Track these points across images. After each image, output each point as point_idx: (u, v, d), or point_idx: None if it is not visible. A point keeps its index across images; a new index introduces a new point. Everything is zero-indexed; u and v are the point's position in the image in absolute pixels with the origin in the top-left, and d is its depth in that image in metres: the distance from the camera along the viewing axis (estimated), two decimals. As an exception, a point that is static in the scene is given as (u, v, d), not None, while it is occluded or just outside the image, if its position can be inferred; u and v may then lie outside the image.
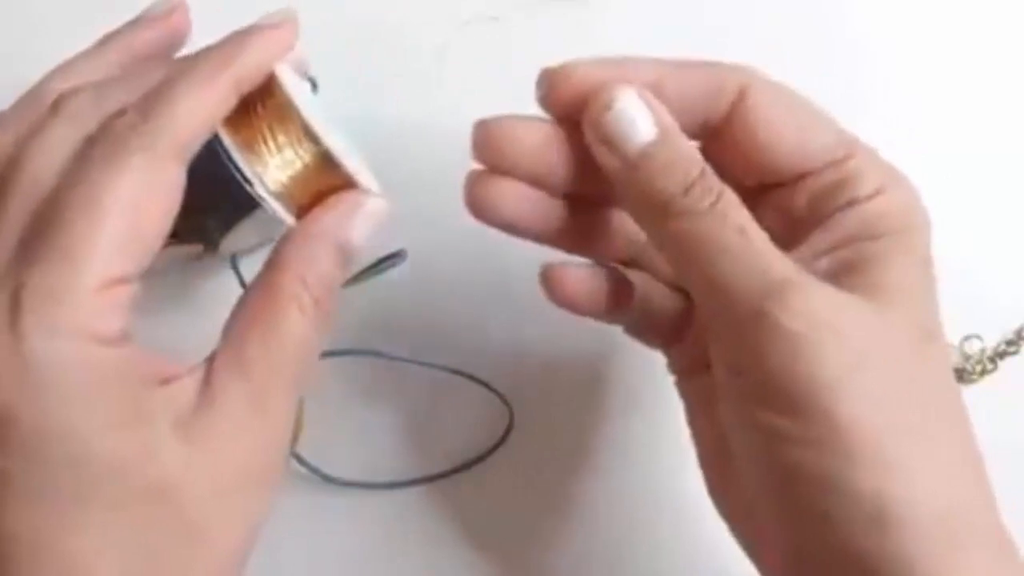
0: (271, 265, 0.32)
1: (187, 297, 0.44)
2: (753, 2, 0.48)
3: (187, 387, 0.30)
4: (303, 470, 0.42)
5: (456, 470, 0.42)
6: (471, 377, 0.42)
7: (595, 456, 0.43)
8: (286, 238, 0.32)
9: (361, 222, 0.32)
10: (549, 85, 0.33)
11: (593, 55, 0.33)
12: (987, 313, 0.44)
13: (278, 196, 0.33)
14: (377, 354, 0.42)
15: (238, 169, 0.32)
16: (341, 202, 0.32)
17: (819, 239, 0.34)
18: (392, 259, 0.41)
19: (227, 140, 0.32)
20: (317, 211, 0.32)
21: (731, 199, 0.32)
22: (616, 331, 0.38)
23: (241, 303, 0.31)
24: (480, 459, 0.42)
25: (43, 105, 0.31)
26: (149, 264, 0.30)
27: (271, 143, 0.32)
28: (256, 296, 0.31)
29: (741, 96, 0.34)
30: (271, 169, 0.32)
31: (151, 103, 0.30)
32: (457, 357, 0.43)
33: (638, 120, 0.32)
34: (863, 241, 0.33)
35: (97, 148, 0.30)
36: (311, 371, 0.31)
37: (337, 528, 0.42)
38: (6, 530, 0.28)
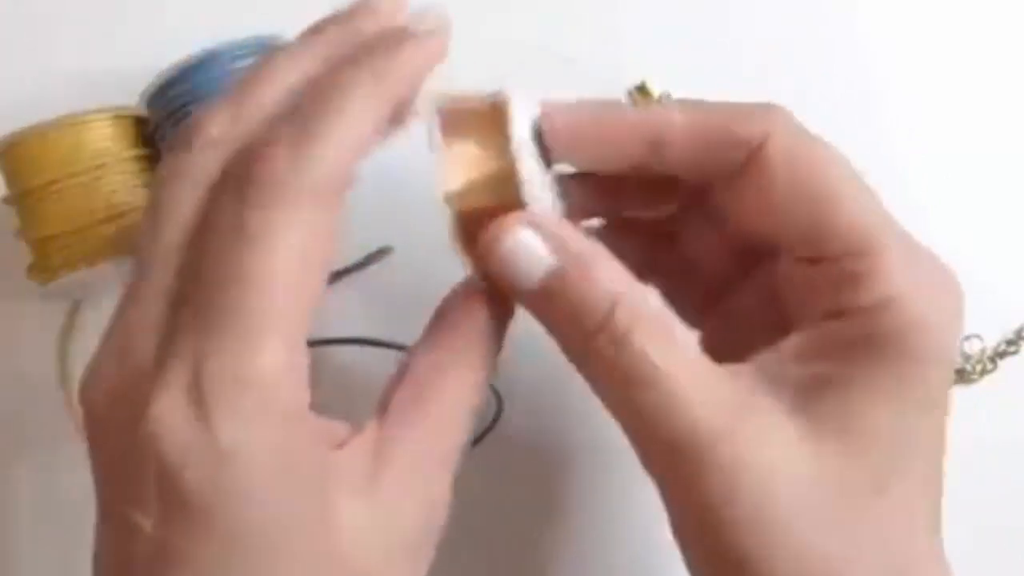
0: (444, 332, 0.30)
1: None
2: (753, 2, 0.47)
3: (359, 452, 0.28)
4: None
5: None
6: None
7: (584, 443, 0.43)
8: (462, 312, 0.30)
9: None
10: (549, 131, 0.32)
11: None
12: (987, 313, 0.44)
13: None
14: (363, 342, 0.42)
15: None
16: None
17: (799, 342, 0.30)
18: (379, 254, 0.42)
19: (441, 147, 0.31)
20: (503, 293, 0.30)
21: (652, 329, 0.29)
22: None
23: (412, 371, 0.30)
24: (469, 446, 0.42)
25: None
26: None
27: (472, 173, 0.31)
28: (429, 370, 0.30)
29: (761, 146, 0.30)
30: (458, 190, 0.31)
31: (301, 136, 0.27)
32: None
33: (533, 253, 0.29)
34: (844, 363, 0.29)
35: (250, 195, 0.26)
36: None
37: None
38: None
